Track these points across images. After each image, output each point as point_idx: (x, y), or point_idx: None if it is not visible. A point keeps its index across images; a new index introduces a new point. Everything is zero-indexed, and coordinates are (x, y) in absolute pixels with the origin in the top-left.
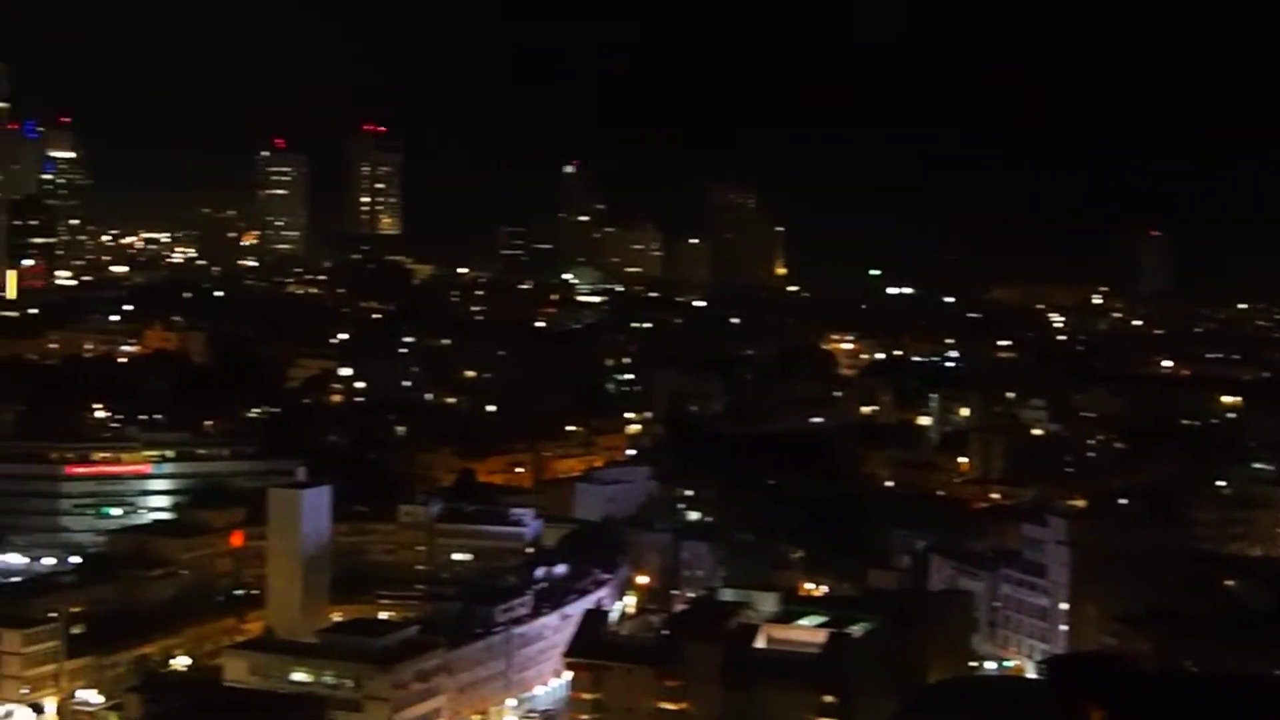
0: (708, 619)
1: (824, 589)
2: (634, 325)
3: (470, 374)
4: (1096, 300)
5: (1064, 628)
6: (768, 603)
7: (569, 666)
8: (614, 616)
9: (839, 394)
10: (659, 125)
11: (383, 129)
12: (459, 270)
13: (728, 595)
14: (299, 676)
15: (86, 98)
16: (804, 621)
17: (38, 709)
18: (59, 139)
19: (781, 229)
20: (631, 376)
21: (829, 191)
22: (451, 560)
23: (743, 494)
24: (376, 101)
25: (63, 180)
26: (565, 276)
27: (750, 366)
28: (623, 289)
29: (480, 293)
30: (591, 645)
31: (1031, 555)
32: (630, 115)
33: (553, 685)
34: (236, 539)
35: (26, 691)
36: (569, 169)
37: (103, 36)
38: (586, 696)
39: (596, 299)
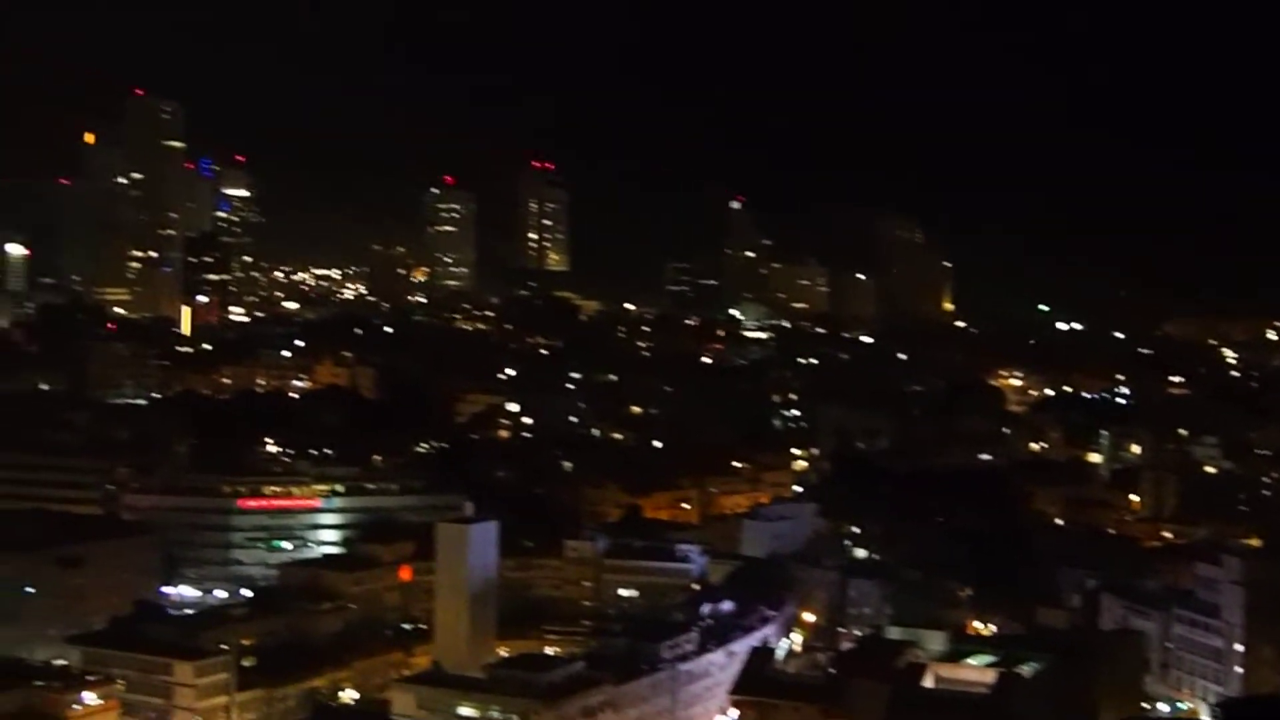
0: (874, 657)
1: (993, 628)
2: (800, 361)
3: (637, 409)
4: (1271, 336)
5: (1239, 669)
6: (935, 641)
7: (735, 704)
8: (780, 654)
9: (1007, 430)
10: (826, 160)
11: (550, 165)
12: (626, 306)
13: (895, 633)
14: (466, 711)
15: (260, 136)
16: (972, 660)
17: None
18: (233, 177)
19: (949, 263)
20: (798, 412)
21: (997, 225)
22: (618, 596)
23: (910, 531)
24: (545, 137)
25: (237, 218)
26: (731, 312)
27: (918, 402)
28: (789, 324)
29: (647, 328)
30: (757, 682)
31: (1205, 595)
32: (798, 150)
33: None
34: (405, 573)
35: None
36: (735, 204)
37: (276, 75)
38: None
39: (763, 334)
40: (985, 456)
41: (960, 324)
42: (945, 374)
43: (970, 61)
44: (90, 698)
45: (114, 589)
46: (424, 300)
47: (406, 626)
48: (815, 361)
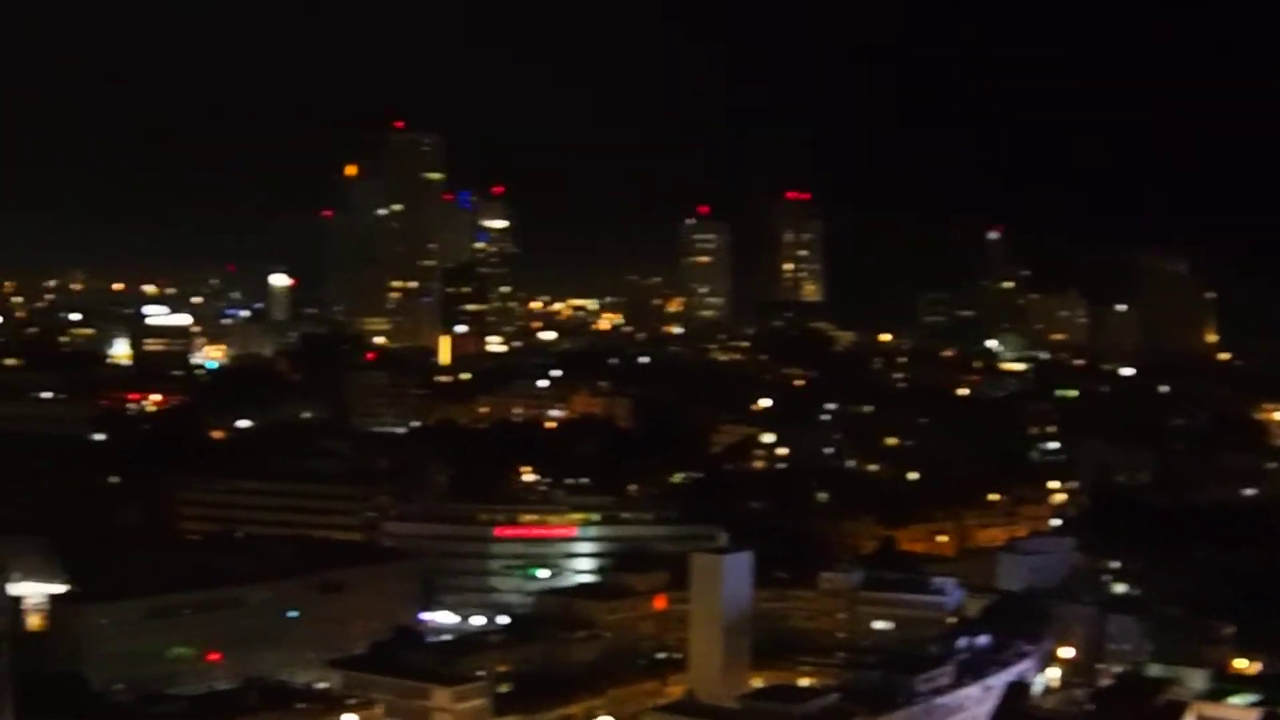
0: (1134, 695)
1: (1257, 666)
2: (1058, 394)
3: (892, 441)
4: None
5: None
6: (1197, 680)
7: None
8: (1037, 690)
9: (1272, 465)
10: (1085, 188)
11: (806, 195)
12: (881, 337)
13: (1155, 671)
14: None
15: (518, 168)
16: (1235, 700)
17: None
18: (491, 209)
19: (1213, 295)
20: (1056, 445)
21: (1265, 255)
22: (872, 629)
23: (1171, 566)
24: (799, 168)
25: (494, 249)
26: (988, 344)
27: (1179, 436)
28: (1047, 356)
29: (902, 359)
30: (1014, 718)
31: None
32: (1056, 179)
33: None
34: (659, 602)
35: None
36: (992, 235)
37: (534, 107)
38: None
39: (1020, 366)
40: (1249, 492)
41: (1224, 357)
42: (1208, 407)
43: (1237, 87)
44: None
45: (374, 614)
46: (679, 331)
47: (661, 656)
48: (1074, 394)
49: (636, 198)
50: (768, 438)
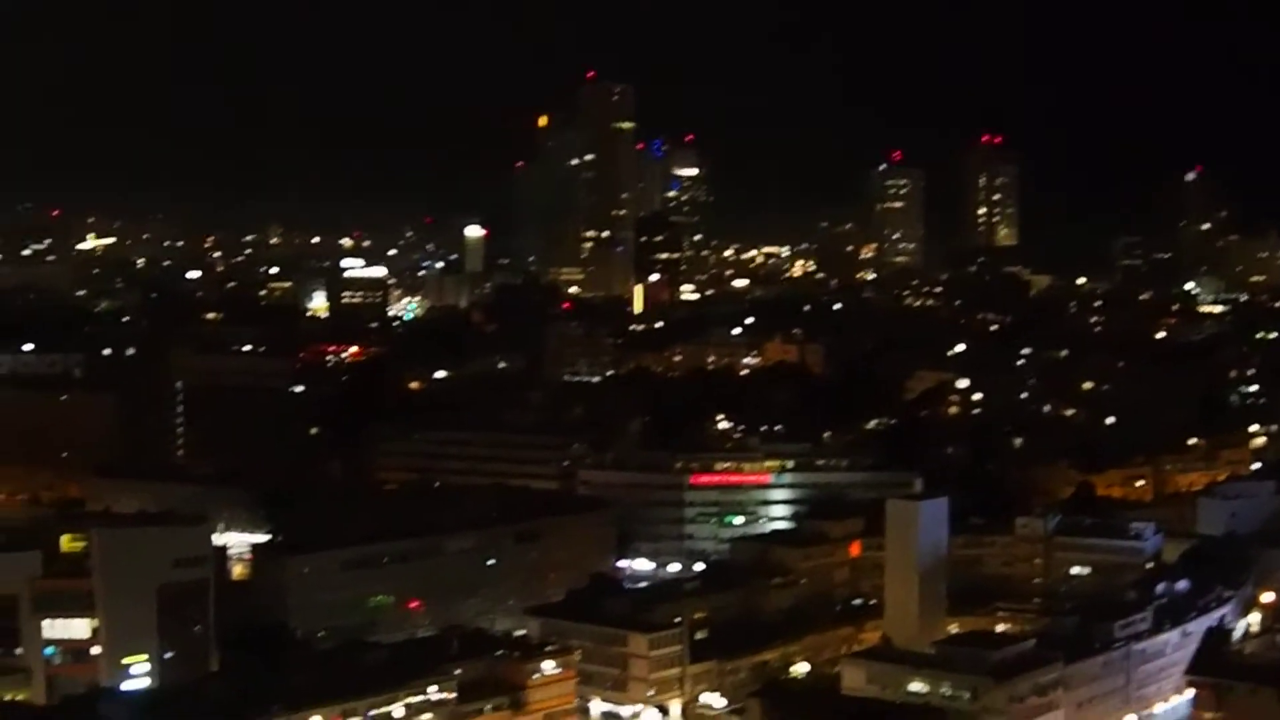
0: None
1: None
2: (1259, 336)
3: (1088, 386)
4: None
5: None
6: None
7: (1190, 685)
8: (1237, 635)
9: None
10: None
11: (999, 139)
12: (1077, 281)
13: None
14: (916, 687)
15: (709, 115)
16: None
17: (663, 711)
18: (683, 157)
19: None
20: (1256, 389)
21: None
22: (1069, 574)
23: None
24: (993, 111)
25: (686, 197)
26: (1186, 287)
27: None
28: (1246, 298)
29: (1098, 304)
30: (1214, 664)
31: None
32: (1256, 118)
33: (1173, 704)
34: (854, 549)
35: (652, 693)
36: (1191, 175)
37: (724, 54)
38: (1209, 716)
39: (1219, 309)
40: None
41: None
42: None
43: None
44: (549, 667)
45: (570, 563)
46: (872, 277)
47: (856, 602)
48: (1274, 336)
49: (830, 145)
50: (962, 383)
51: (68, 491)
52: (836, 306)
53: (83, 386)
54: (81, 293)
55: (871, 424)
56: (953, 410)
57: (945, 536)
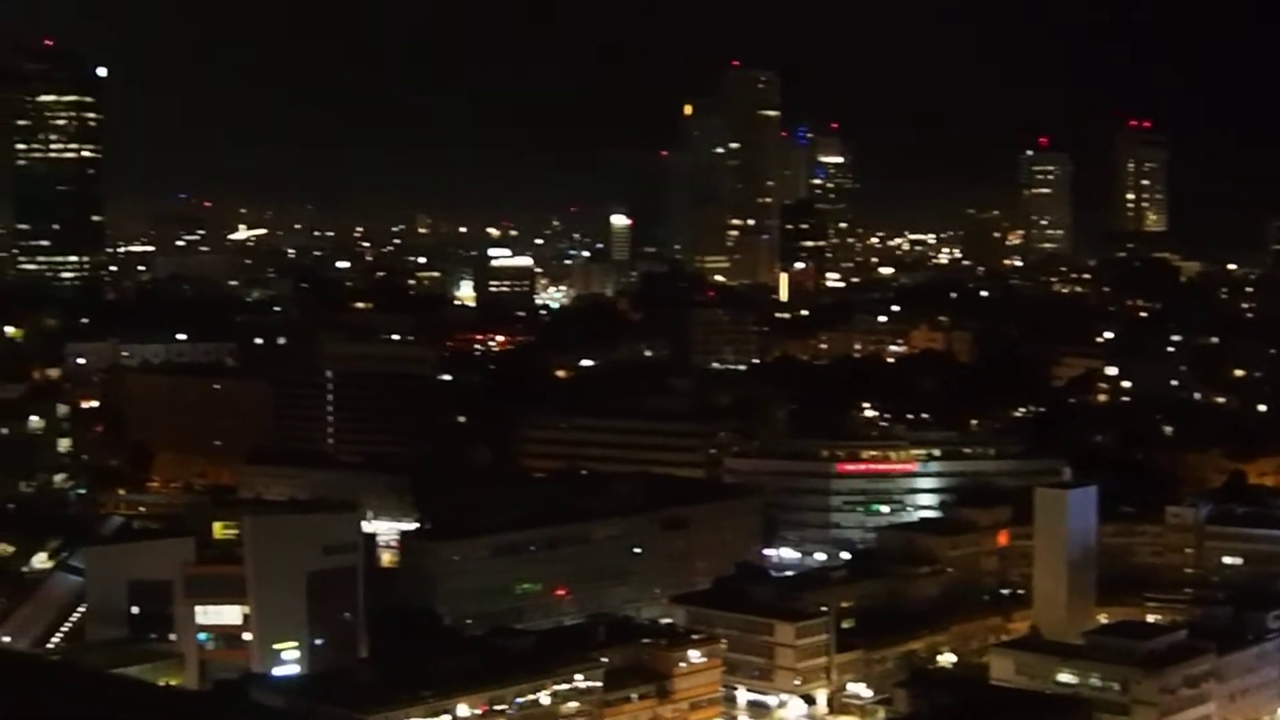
0: None
1: None
2: None
3: (1240, 373)
4: None
5: None
6: None
7: None
8: None
9: None
10: None
11: (1148, 123)
12: (1227, 266)
13: None
14: (1064, 677)
15: (853, 102)
16: None
17: (809, 700)
18: (828, 145)
19: None
20: None
21: None
22: (1221, 564)
23: None
24: (1141, 95)
25: (831, 185)
26: None
27: None
28: None
29: (1250, 289)
30: None
31: None
32: None
33: None
34: (1002, 538)
35: (799, 682)
36: None
37: (867, 40)
38: None
39: None
40: None
41: None
42: None
43: None
44: (695, 655)
45: (716, 550)
46: (1019, 263)
47: (1004, 592)
48: None
49: (974, 130)
50: (1111, 370)
51: (220, 478)
52: (983, 293)
53: (235, 375)
54: (234, 282)
55: (1019, 411)
56: (1101, 397)
57: (1094, 525)
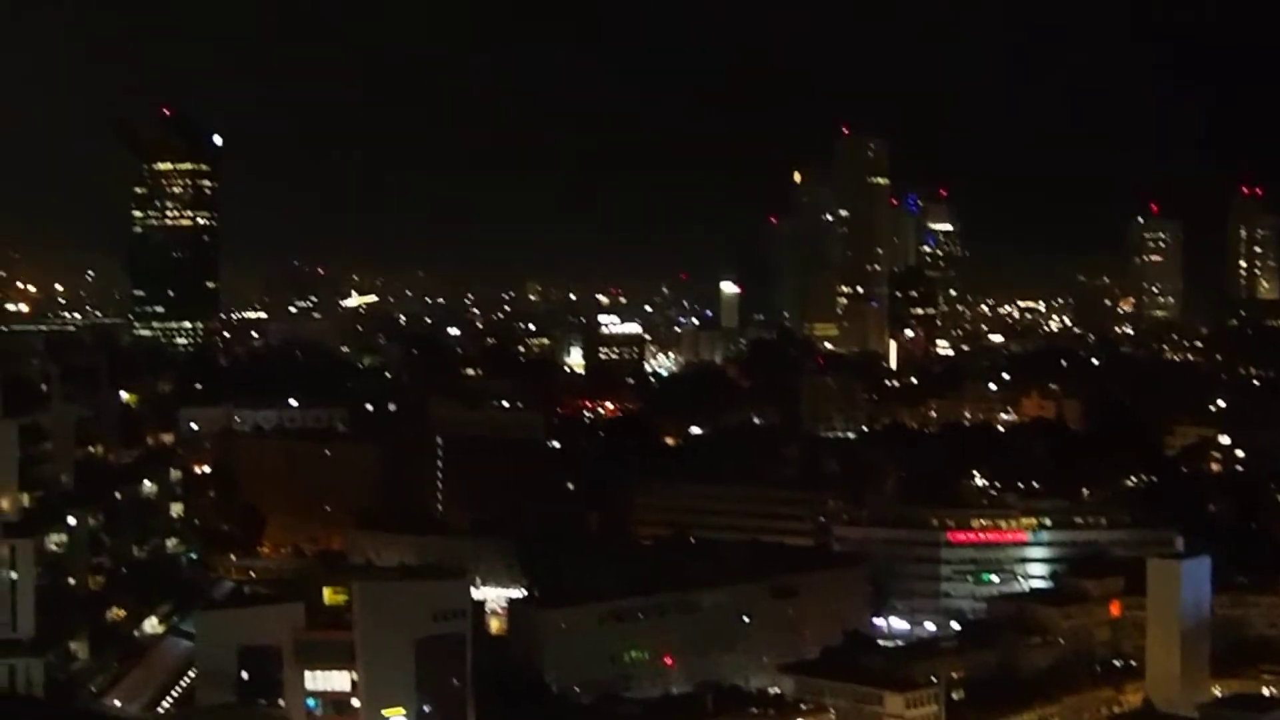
0: None
1: None
2: None
3: None
4: None
5: None
6: None
7: None
8: None
9: None
10: None
11: (1260, 191)
12: None
13: None
14: None
15: (962, 170)
16: None
17: None
18: (938, 212)
19: None
20: None
21: None
22: None
23: None
24: (1252, 163)
25: (941, 252)
26: None
27: None
28: None
29: None
30: None
31: None
32: None
33: None
34: (1114, 608)
35: None
36: None
37: (977, 108)
38: None
39: None
40: None
41: None
42: None
43: None
44: None
45: (825, 619)
46: (1130, 331)
47: (1117, 663)
48: None
49: (1083, 195)
50: (1224, 439)
51: (330, 543)
52: (1094, 360)
53: (346, 440)
54: (345, 348)
55: (1131, 480)
56: (1215, 466)
57: (1208, 596)
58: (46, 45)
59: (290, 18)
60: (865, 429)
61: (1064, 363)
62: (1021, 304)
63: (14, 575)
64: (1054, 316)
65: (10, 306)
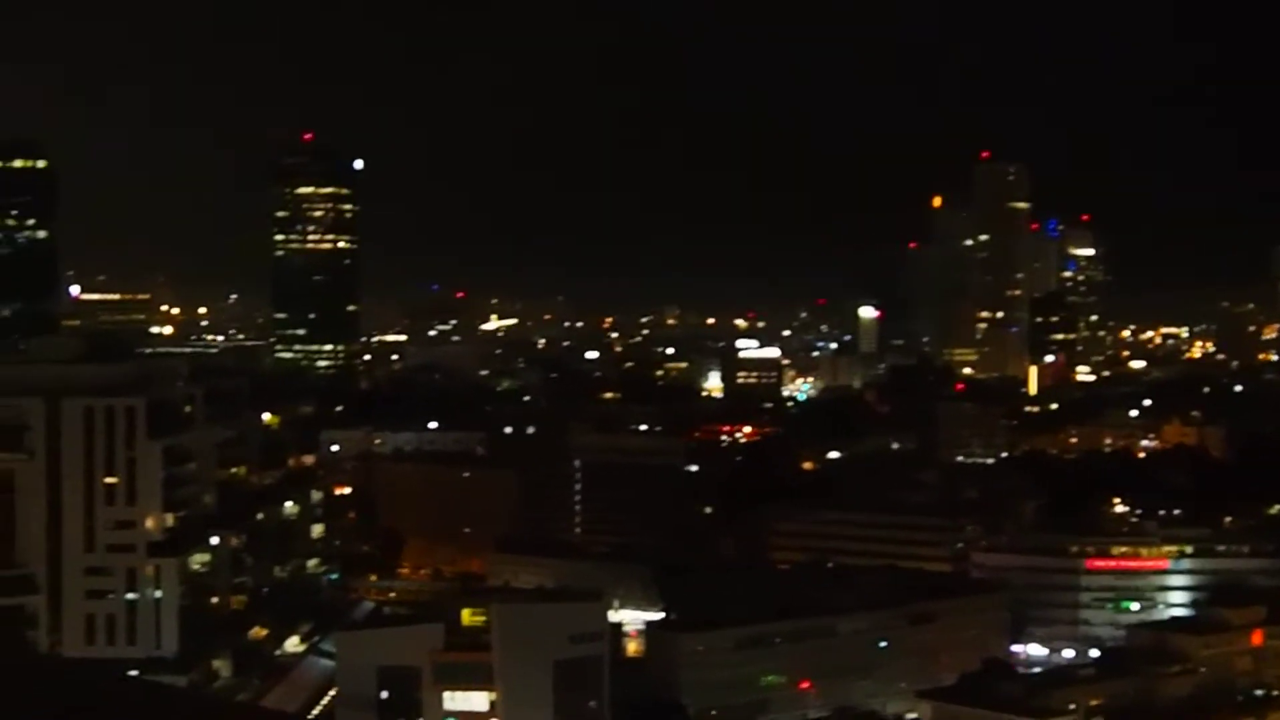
0: None
1: None
2: None
3: None
4: None
5: None
6: None
7: None
8: None
9: None
10: None
11: None
12: None
13: None
14: None
15: (1105, 195)
16: None
17: None
18: (1079, 237)
19: None
20: None
21: None
22: None
23: None
24: None
25: (1082, 277)
26: None
27: None
28: None
29: None
30: None
31: None
32: None
33: None
34: (1256, 637)
35: None
36: None
37: (1121, 132)
38: None
39: None
40: None
41: None
42: None
43: None
44: None
45: (963, 646)
46: (1274, 357)
47: (1258, 693)
48: None
49: (1225, 221)
50: None
51: (469, 566)
52: (1237, 388)
53: (484, 464)
54: (484, 372)
55: (1274, 509)
56: None
57: None
58: (191, 78)
59: (423, 48)
60: (1004, 455)
61: (1206, 390)
62: (1163, 330)
63: (159, 594)
64: (1196, 343)
65: (155, 330)
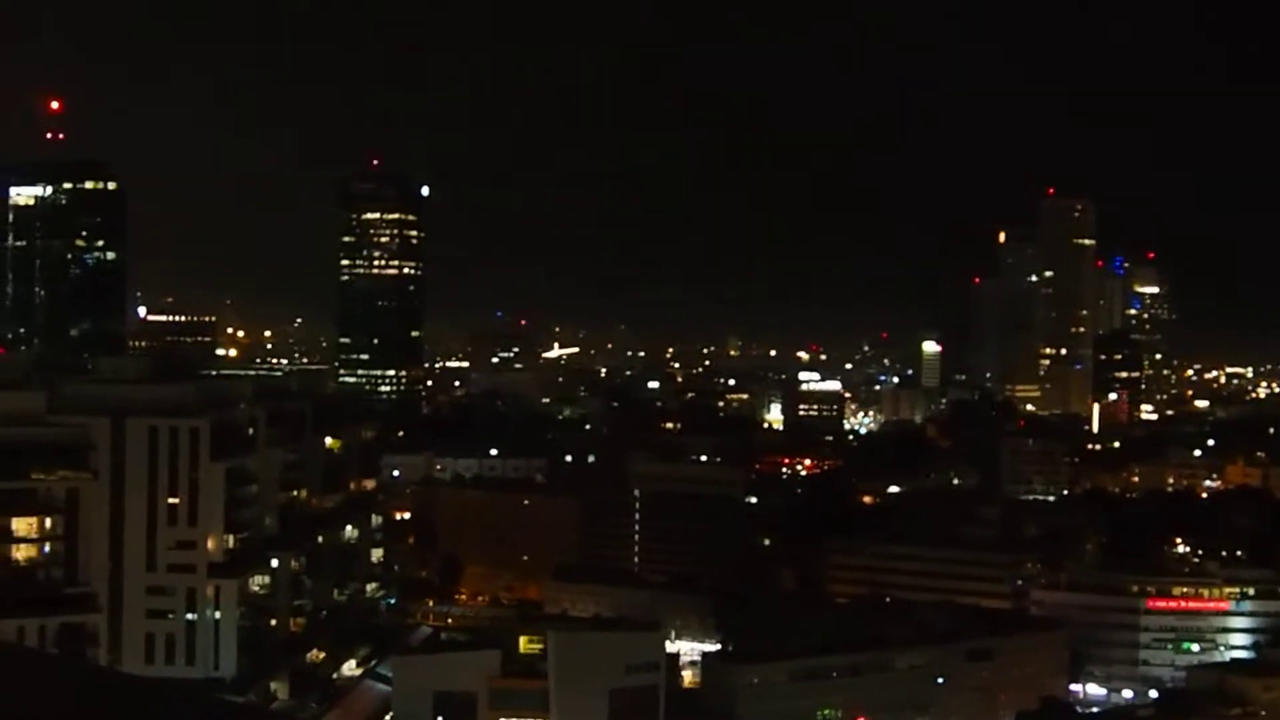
0: None
1: None
2: None
3: None
4: None
5: None
6: None
7: None
8: None
9: None
10: None
11: None
12: None
13: None
14: None
15: (1170, 233)
16: None
17: None
18: (1144, 274)
19: None
20: None
21: None
22: None
23: None
24: None
25: (1147, 315)
26: None
27: None
28: None
29: None
30: None
31: None
32: None
33: None
34: None
35: None
36: None
37: (1181, 172)
38: None
39: None
40: None
41: None
42: None
43: None
44: None
45: (1021, 684)
46: None
47: None
48: None
49: None
50: None
51: (527, 593)
52: None
53: (545, 491)
54: (546, 399)
55: None
56: None
57: None
58: (262, 103)
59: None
60: (1065, 492)
61: (1271, 430)
62: (1229, 369)
63: (218, 615)
64: (1262, 383)
65: (221, 352)
